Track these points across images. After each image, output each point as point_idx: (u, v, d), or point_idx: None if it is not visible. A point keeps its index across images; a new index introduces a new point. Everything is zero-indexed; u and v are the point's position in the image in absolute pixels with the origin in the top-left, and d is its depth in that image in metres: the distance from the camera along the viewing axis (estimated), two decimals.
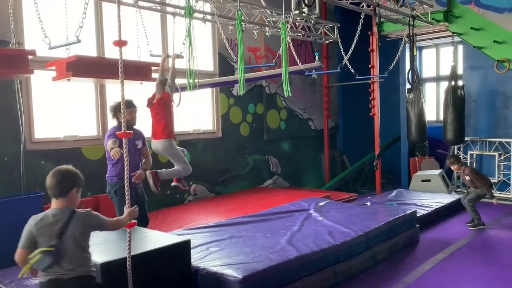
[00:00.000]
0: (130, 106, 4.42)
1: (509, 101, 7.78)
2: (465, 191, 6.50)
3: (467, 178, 5.94)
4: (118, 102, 4.33)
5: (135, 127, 4.56)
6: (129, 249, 2.89)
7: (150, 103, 4.86)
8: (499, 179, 7.79)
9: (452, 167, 6.12)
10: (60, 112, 5.79)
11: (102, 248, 3.31)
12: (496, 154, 7.77)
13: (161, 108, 4.74)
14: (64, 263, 2.54)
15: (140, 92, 5.54)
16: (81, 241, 2.62)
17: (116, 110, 4.42)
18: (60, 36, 4.36)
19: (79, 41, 3.85)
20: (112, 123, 4.92)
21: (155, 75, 5.26)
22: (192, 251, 3.62)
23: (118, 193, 4.35)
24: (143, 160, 4.66)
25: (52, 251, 2.48)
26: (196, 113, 7.43)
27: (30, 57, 4.36)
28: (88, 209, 2.75)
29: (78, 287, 2.58)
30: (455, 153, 8.12)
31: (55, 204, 2.63)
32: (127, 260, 2.89)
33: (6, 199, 4.88)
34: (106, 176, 4.49)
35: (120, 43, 2.60)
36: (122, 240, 3.63)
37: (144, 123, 5.06)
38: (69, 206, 2.63)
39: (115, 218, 2.96)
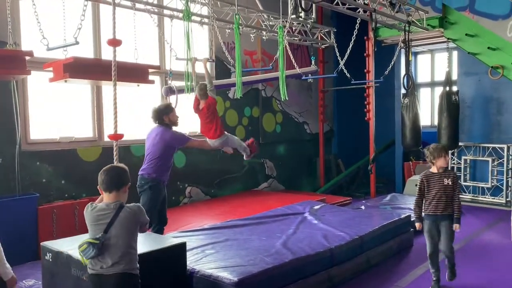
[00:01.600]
0: (172, 109, 4.81)
1: (503, 107, 7.86)
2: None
3: (449, 182, 4.01)
4: (164, 104, 4.85)
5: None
6: None
7: (197, 109, 5.05)
8: (492, 184, 7.85)
9: (438, 160, 4.07)
10: (56, 113, 5.78)
11: None
12: (490, 159, 7.84)
13: (210, 112, 4.93)
14: (108, 257, 2.59)
15: (140, 92, 5.55)
16: (127, 236, 2.65)
17: (164, 112, 4.70)
18: (57, 38, 4.37)
19: (77, 42, 3.86)
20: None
21: (152, 77, 5.28)
22: (187, 253, 3.62)
23: (152, 188, 4.51)
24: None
25: (97, 243, 2.54)
26: (192, 116, 7.43)
27: (27, 58, 4.37)
28: (137, 204, 2.80)
29: (118, 284, 2.60)
30: (450, 158, 8.17)
31: (107, 198, 2.71)
32: None
33: (0, 200, 4.87)
34: (142, 170, 4.63)
35: (114, 42, 2.60)
36: None
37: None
38: (119, 201, 2.70)
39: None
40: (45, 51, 4.17)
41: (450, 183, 3.99)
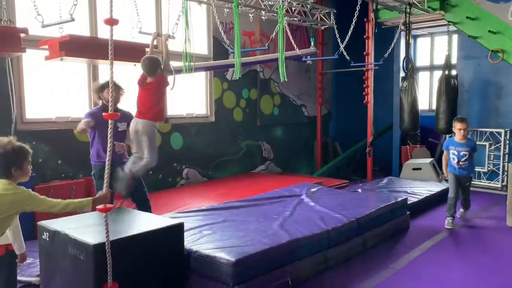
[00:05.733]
0: (105, 87, 4.40)
1: (502, 92, 7.83)
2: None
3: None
4: (103, 82, 4.41)
5: (120, 108, 4.51)
6: (107, 235, 2.76)
7: (142, 83, 4.47)
8: (489, 168, 7.89)
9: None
10: (52, 92, 5.72)
11: (96, 229, 3.30)
12: (487, 144, 7.85)
13: (156, 90, 4.43)
14: None
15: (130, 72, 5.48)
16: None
17: (100, 90, 4.39)
18: (53, 15, 4.28)
19: (73, 19, 3.79)
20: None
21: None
22: (185, 234, 3.63)
23: (96, 175, 4.35)
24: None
25: None
26: (189, 97, 7.39)
27: (22, 35, 4.29)
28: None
29: None
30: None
31: None
32: (106, 247, 2.76)
33: None
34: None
35: (111, 22, 2.49)
36: (117, 221, 3.63)
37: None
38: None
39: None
40: (40, 28, 4.10)
41: None
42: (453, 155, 5.62)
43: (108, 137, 2.59)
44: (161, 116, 4.58)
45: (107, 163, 2.64)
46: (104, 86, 4.41)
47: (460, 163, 5.56)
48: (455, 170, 5.64)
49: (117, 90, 4.40)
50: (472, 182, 6.01)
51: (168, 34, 4.92)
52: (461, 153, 5.55)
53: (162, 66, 4.48)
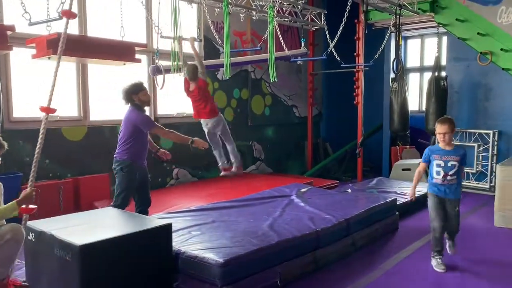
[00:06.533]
0: (144, 87, 4.53)
1: (490, 93, 7.90)
2: None
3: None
4: (135, 84, 4.47)
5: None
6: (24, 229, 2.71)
7: (187, 91, 5.03)
8: (477, 169, 7.95)
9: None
10: (40, 91, 5.64)
11: (82, 229, 3.26)
12: (476, 145, 7.92)
13: (202, 94, 4.91)
14: None
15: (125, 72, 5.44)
16: None
17: (133, 92, 4.43)
18: (40, 12, 4.23)
19: (61, 17, 3.73)
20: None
21: (139, 56, 5.17)
22: (173, 234, 3.60)
23: (124, 169, 4.39)
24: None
25: None
26: (179, 96, 7.33)
27: (9, 33, 4.23)
28: None
29: None
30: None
31: None
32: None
33: None
34: (116, 153, 4.49)
35: (69, 14, 2.38)
36: (104, 221, 3.60)
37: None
38: None
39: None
40: (27, 26, 4.04)
41: None
42: (438, 167, 4.12)
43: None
44: (217, 110, 5.20)
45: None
46: (140, 87, 4.47)
47: (448, 177, 4.08)
48: (439, 190, 4.17)
49: (146, 91, 4.56)
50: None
51: (193, 37, 5.17)
52: (450, 164, 4.08)
53: (199, 72, 4.92)
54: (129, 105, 4.49)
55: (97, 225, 3.49)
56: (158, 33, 5.32)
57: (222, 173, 5.39)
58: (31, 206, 2.68)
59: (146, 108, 6.69)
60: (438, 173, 4.13)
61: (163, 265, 3.43)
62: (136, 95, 4.44)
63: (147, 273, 3.31)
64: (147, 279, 3.32)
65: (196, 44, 5.31)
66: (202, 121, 5.19)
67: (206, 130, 5.28)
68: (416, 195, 5.33)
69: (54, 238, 3.08)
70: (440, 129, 4.11)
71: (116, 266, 3.09)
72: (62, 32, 2.36)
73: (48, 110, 2.48)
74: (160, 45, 5.50)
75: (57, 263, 3.08)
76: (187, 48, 5.30)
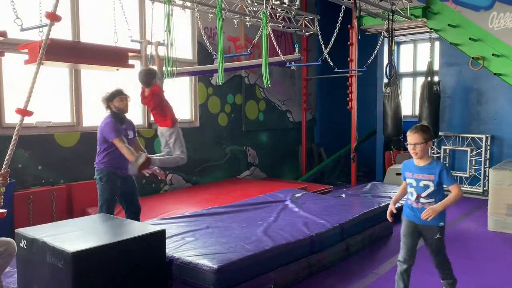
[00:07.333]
0: (120, 93, 4.34)
1: (482, 98, 7.97)
2: None
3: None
4: (112, 91, 4.34)
5: (127, 116, 4.49)
6: None
7: (143, 98, 4.78)
8: (470, 174, 8.00)
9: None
10: (32, 97, 5.60)
11: (75, 236, 3.24)
12: (468, 149, 7.97)
13: (155, 100, 4.67)
14: None
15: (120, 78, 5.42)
16: None
17: (109, 99, 4.31)
18: (33, 18, 4.22)
19: (53, 23, 3.72)
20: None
21: (132, 62, 5.16)
22: (167, 241, 3.58)
23: (102, 179, 4.29)
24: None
25: None
26: (173, 102, 7.32)
27: (0, 38, 4.20)
28: None
29: None
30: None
31: None
32: None
33: None
34: (95, 162, 4.39)
35: (53, 17, 2.33)
36: (97, 228, 3.57)
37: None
38: None
39: None
40: (19, 32, 4.03)
41: None
42: (410, 187, 3.29)
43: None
44: (174, 119, 4.87)
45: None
46: (115, 94, 4.33)
47: (422, 199, 3.22)
48: (412, 214, 3.32)
49: (124, 97, 4.38)
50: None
51: (158, 41, 4.96)
52: (422, 184, 3.20)
53: (158, 77, 4.68)
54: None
55: (90, 231, 3.46)
56: (129, 37, 5.21)
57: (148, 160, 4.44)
58: (1, 211, 2.66)
59: (140, 115, 6.72)
60: (411, 194, 3.28)
61: (156, 271, 3.41)
62: (112, 102, 4.31)
63: (140, 280, 3.28)
64: (141, 285, 3.29)
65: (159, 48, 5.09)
66: (159, 129, 4.89)
67: (162, 140, 4.94)
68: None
69: (46, 245, 3.05)
70: (409, 138, 3.25)
71: (109, 273, 3.07)
72: (45, 35, 2.32)
73: (24, 112, 2.44)
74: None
75: (49, 270, 3.05)
76: (181, 54, 5.29)
